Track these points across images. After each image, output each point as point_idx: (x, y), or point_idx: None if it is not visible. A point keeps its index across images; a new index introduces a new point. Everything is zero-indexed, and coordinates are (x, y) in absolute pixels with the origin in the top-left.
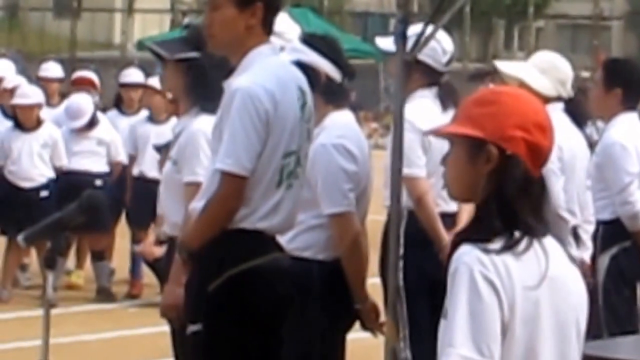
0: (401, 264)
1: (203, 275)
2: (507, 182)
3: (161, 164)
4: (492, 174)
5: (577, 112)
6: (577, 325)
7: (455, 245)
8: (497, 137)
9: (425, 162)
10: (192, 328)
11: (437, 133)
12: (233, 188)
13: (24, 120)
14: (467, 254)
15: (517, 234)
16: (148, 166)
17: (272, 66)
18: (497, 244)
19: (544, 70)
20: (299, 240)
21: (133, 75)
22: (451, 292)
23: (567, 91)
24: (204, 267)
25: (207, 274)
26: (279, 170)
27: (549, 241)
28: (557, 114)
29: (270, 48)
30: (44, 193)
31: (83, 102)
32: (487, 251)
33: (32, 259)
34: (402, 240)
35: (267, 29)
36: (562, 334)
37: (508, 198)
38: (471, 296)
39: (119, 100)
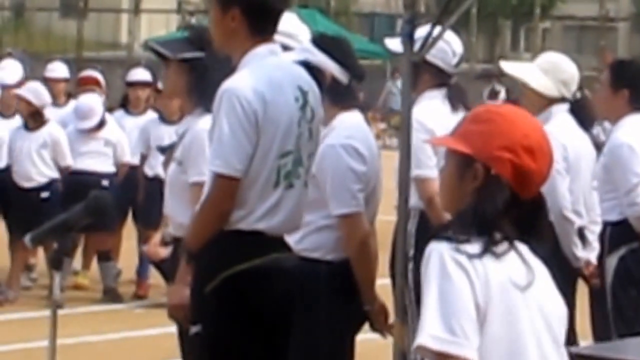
0: (412, 264)
1: (201, 277)
2: (487, 201)
3: (165, 165)
4: (476, 192)
5: (583, 113)
6: (554, 341)
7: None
8: (484, 156)
9: (436, 163)
10: (194, 329)
11: (435, 142)
12: (224, 189)
13: (25, 117)
14: (439, 243)
15: (496, 235)
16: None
17: (265, 67)
18: (475, 246)
19: (546, 71)
20: (308, 241)
21: (140, 74)
22: (424, 279)
23: (571, 92)
24: (202, 268)
25: (204, 276)
26: (276, 171)
27: (523, 248)
28: (561, 115)
29: (269, 49)
30: (44, 194)
31: (94, 102)
32: (466, 254)
33: (39, 259)
34: (412, 241)
35: (259, 30)
36: (542, 339)
37: (486, 216)
38: (441, 277)
39: (125, 101)
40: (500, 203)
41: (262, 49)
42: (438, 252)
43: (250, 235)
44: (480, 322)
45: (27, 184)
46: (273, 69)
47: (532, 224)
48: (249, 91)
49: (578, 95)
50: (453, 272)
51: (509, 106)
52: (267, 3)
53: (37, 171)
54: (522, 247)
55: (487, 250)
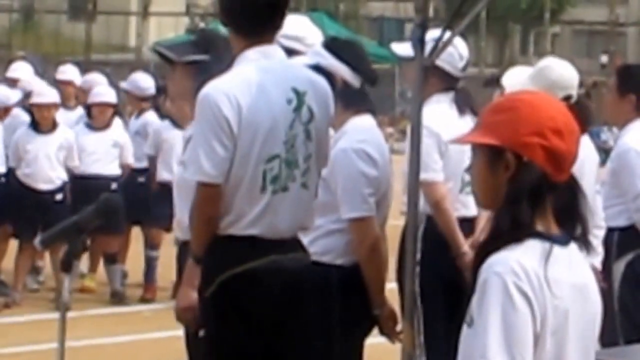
0: (417, 269)
1: (202, 282)
2: (523, 189)
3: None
4: (510, 182)
5: (576, 118)
6: (594, 335)
7: (479, 257)
8: (513, 144)
9: (442, 167)
10: (200, 333)
11: (460, 142)
12: (203, 195)
13: (41, 120)
14: (499, 263)
15: (539, 242)
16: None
17: (248, 70)
18: (525, 252)
19: (531, 79)
20: (318, 244)
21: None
22: (481, 302)
23: (557, 97)
24: (202, 273)
25: (204, 280)
26: (261, 175)
27: (573, 248)
28: None
29: (260, 51)
30: (59, 196)
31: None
32: (517, 260)
33: (46, 262)
34: (419, 245)
35: (247, 32)
36: (584, 343)
37: (524, 204)
38: (505, 306)
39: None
40: (537, 187)
41: (251, 52)
42: (500, 275)
43: (244, 240)
44: (534, 347)
45: (45, 187)
46: (257, 72)
47: (572, 208)
48: (221, 96)
49: (574, 99)
50: (517, 300)
51: (529, 92)
52: (248, 5)
53: (56, 174)
54: (571, 246)
55: (542, 257)
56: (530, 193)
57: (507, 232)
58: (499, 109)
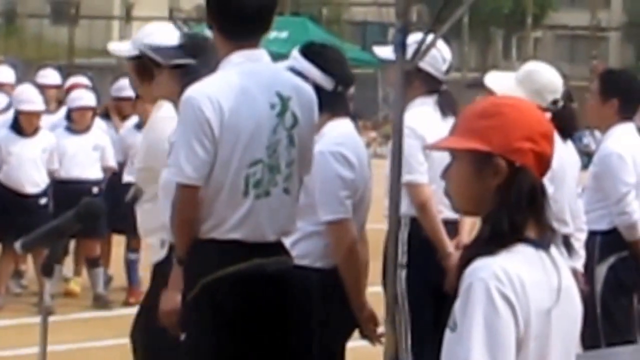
0: (404, 272)
1: (184, 285)
2: (516, 194)
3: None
4: (500, 187)
5: (563, 122)
6: (575, 337)
7: (464, 260)
8: (505, 150)
9: (426, 168)
10: (182, 336)
11: (441, 147)
12: (182, 197)
13: (27, 126)
14: (482, 269)
15: (527, 247)
16: None
17: (232, 74)
18: (510, 258)
19: (520, 82)
20: (297, 247)
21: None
22: (464, 307)
23: (546, 101)
24: (185, 276)
25: (187, 283)
26: (244, 180)
27: (555, 252)
28: None
29: (245, 55)
30: (43, 200)
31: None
32: (501, 266)
33: (29, 265)
34: (405, 248)
35: (232, 35)
36: (566, 345)
37: (517, 209)
38: (488, 312)
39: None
40: (528, 192)
41: (235, 56)
42: (483, 280)
43: (227, 243)
44: (516, 351)
45: (31, 190)
46: (241, 76)
47: (547, 210)
48: (203, 99)
49: (560, 104)
50: (500, 305)
51: (510, 97)
52: (236, 9)
53: (41, 178)
54: (552, 250)
55: (523, 261)
56: (526, 197)
57: (500, 237)
58: (485, 115)
